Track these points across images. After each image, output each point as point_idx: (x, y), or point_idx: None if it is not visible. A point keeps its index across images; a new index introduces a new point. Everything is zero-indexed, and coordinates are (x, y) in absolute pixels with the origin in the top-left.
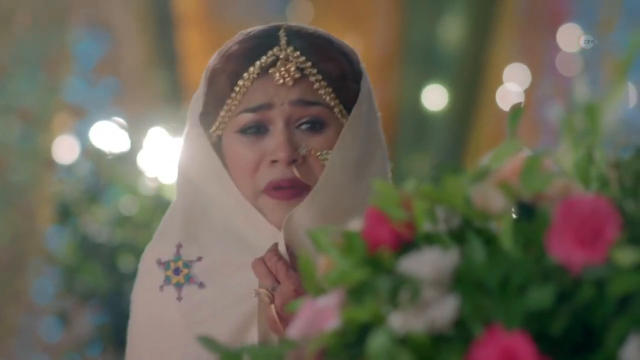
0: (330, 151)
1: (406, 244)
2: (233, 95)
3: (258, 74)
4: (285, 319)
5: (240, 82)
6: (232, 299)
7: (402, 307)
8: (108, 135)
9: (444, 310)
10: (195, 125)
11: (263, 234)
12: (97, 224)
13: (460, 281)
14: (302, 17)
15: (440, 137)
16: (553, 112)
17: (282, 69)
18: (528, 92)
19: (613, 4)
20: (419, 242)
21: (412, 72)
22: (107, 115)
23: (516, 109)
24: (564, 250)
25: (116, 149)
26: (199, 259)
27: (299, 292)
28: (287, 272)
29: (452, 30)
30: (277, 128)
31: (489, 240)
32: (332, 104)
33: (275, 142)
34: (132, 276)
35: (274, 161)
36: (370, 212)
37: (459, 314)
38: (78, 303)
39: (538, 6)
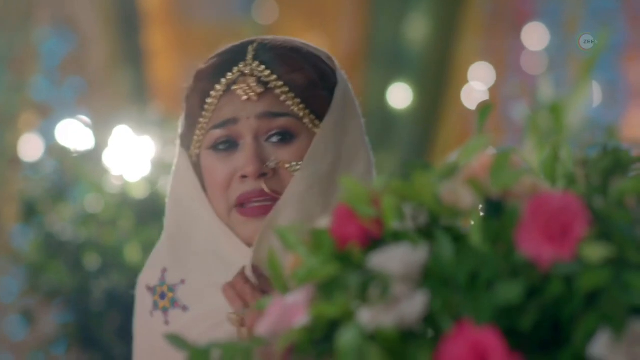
0: (300, 163)
1: (374, 241)
2: (204, 113)
3: (225, 91)
4: None
5: (209, 100)
6: (216, 320)
7: (372, 302)
8: (73, 133)
9: (413, 305)
10: (178, 146)
11: (238, 253)
12: (62, 222)
13: (429, 277)
14: (267, 16)
15: (405, 136)
16: (518, 111)
17: (244, 84)
18: (493, 91)
19: (577, 4)
20: (387, 239)
21: (378, 71)
22: (72, 114)
23: (485, 106)
24: (533, 246)
25: (81, 147)
26: (182, 282)
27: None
28: (253, 295)
29: (417, 29)
30: (246, 143)
31: (457, 236)
32: (301, 114)
33: (244, 156)
34: (97, 274)
35: (244, 176)
36: (338, 209)
37: (428, 310)
38: (43, 301)
39: (503, 5)
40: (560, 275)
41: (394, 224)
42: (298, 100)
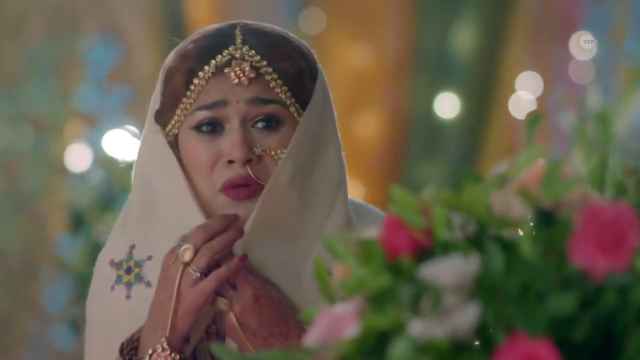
0: (284, 150)
1: (424, 252)
2: (188, 93)
3: (213, 73)
4: (245, 325)
5: (195, 81)
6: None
7: (424, 314)
8: (120, 143)
9: (465, 317)
10: (151, 123)
11: None
12: (109, 232)
13: (480, 288)
14: (314, 26)
15: (452, 145)
16: (566, 120)
17: (237, 68)
18: (540, 100)
19: (624, 12)
20: (437, 250)
21: (424, 80)
22: (119, 123)
23: (534, 116)
24: (586, 256)
25: (129, 157)
26: (149, 258)
27: (258, 297)
28: (246, 277)
29: (464, 38)
30: (233, 127)
31: (506, 247)
32: (288, 102)
33: (230, 141)
34: None
35: (230, 161)
36: (388, 219)
37: (480, 321)
38: None
39: (550, 14)
40: (613, 286)
41: (443, 234)
42: (286, 88)
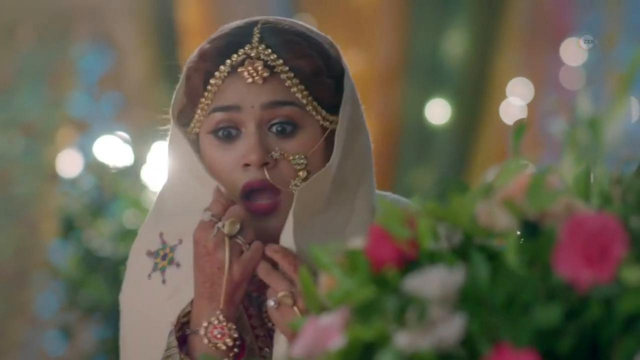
0: (302, 156)
1: (410, 262)
2: (206, 94)
3: (229, 72)
4: None
5: (212, 81)
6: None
7: (409, 325)
8: (112, 149)
9: (451, 328)
10: (176, 122)
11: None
12: (100, 237)
13: (466, 299)
14: None
15: (443, 151)
16: (556, 127)
17: (250, 67)
18: (531, 107)
19: (615, 19)
20: (423, 261)
21: (415, 86)
22: (110, 130)
23: (520, 125)
24: (571, 268)
25: (120, 163)
26: (180, 241)
27: None
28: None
29: (455, 45)
30: (249, 131)
31: (492, 257)
32: (305, 101)
33: (247, 145)
34: None
35: (247, 164)
36: (373, 229)
37: (465, 333)
38: (82, 317)
39: (541, 20)
40: (598, 298)
41: (429, 245)
42: (302, 87)
